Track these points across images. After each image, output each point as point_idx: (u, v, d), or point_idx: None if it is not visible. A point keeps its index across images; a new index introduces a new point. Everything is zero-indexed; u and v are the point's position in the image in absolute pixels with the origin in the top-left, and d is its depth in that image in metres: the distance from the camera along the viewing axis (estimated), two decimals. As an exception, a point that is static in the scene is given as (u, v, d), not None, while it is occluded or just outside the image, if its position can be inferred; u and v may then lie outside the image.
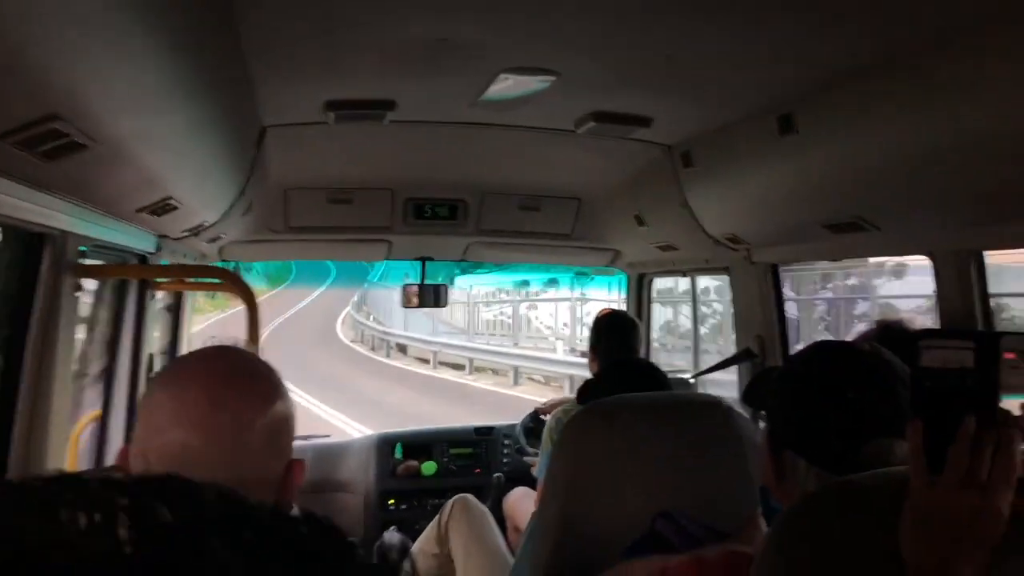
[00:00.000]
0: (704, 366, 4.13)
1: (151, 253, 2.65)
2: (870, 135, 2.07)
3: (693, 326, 4.12)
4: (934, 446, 0.92)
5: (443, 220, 3.82)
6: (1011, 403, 0.93)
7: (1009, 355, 0.93)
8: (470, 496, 3.48)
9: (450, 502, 3.45)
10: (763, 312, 3.22)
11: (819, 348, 1.37)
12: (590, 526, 1.76)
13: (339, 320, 30.55)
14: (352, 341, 25.89)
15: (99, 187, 1.55)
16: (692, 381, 3.72)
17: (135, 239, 2.35)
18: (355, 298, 30.88)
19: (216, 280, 2.69)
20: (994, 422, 0.90)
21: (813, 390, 1.28)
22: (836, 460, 1.21)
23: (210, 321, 22.54)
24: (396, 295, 4.50)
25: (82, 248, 1.95)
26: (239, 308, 2.24)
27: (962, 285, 2.24)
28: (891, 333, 2.09)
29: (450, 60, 2.11)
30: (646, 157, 3.11)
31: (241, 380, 1.07)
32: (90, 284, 2.78)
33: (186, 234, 2.73)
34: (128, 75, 1.21)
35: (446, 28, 1.91)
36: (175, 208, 2.12)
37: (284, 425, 1.08)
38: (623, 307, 4.35)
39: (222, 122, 2.07)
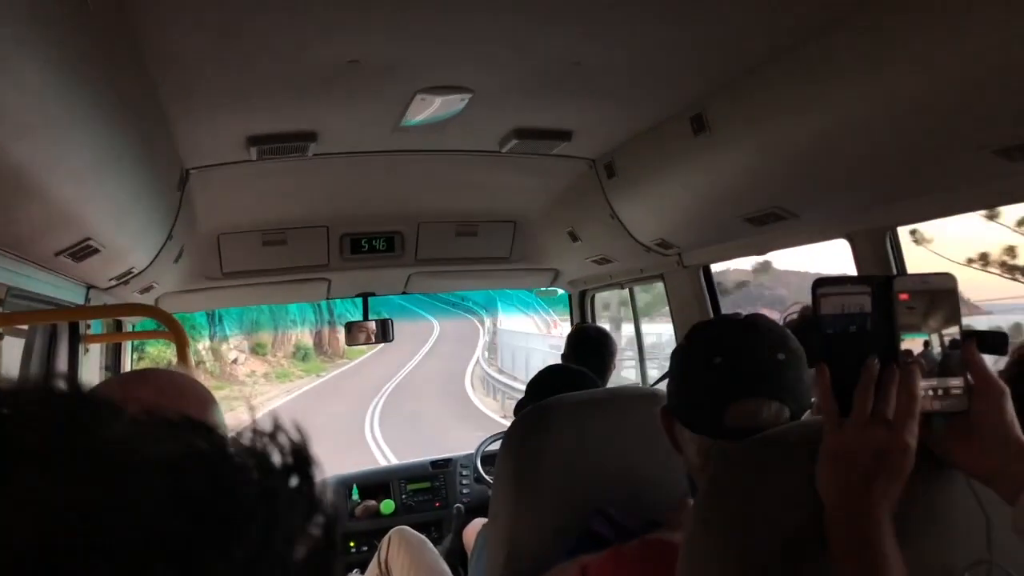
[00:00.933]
0: (652, 378, 4.18)
1: (79, 305, 2.60)
2: (778, 126, 2.14)
3: (636, 338, 4.15)
4: (841, 389, 0.95)
5: (381, 253, 3.82)
6: (909, 342, 0.97)
7: (903, 296, 0.96)
8: (405, 527, 3.44)
9: (386, 537, 3.40)
10: (700, 314, 3.28)
11: (700, 323, 1.43)
12: (536, 529, 1.77)
13: (467, 377, 23.48)
14: (499, 415, 17.67)
15: (6, 223, 1.52)
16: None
17: (60, 289, 2.31)
18: (480, 345, 25.47)
19: (149, 321, 2.63)
20: (896, 360, 0.94)
21: (687, 359, 1.34)
22: (707, 423, 1.27)
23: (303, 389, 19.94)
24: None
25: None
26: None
27: (880, 263, 2.32)
28: (805, 316, 2.17)
29: (365, 84, 2.14)
30: (573, 172, 3.17)
31: (170, 398, 1.07)
32: (17, 343, 2.71)
33: (114, 283, 2.69)
34: (24, 100, 1.20)
35: (357, 51, 1.94)
36: (97, 251, 2.09)
37: None
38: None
39: (142, 160, 2.06)
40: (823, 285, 0.97)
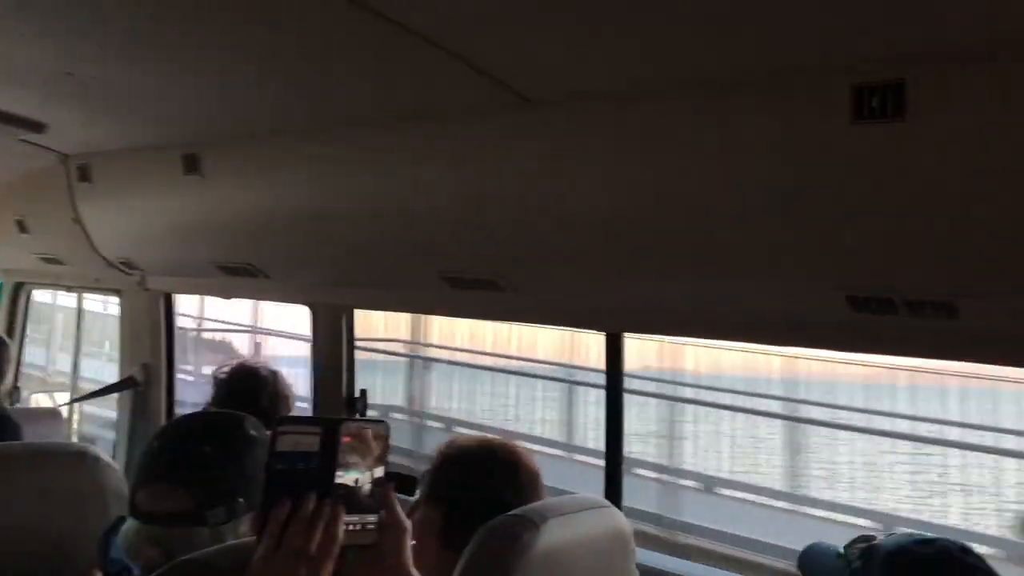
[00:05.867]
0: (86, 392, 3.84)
1: None
2: (269, 189, 2.23)
3: (75, 349, 3.80)
4: (285, 523, 1.02)
5: None
6: (347, 478, 1.08)
7: (346, 439, 1.07)
8: None
9: None
10: (152, 340, 3.15)
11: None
12: None
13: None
14: None
15: None
16: (64, 412, 3.43)
17: None
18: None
19: None
20: (328, 499, 1.03)
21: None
22: (129, 505, 1.28)
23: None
24: None
25: None
26: None
27: (334, 336, 2.54)
28: (242, 372, 2.24)
29: None
30: (38, 162, 2.81)
31: None
32: None
33: None
34: None
35: None
36: None
37: None
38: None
39: None
40: (283, 423, 1.04)
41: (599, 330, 2.02)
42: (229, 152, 2.21)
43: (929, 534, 1.30)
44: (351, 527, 1.05)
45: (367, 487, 1.07)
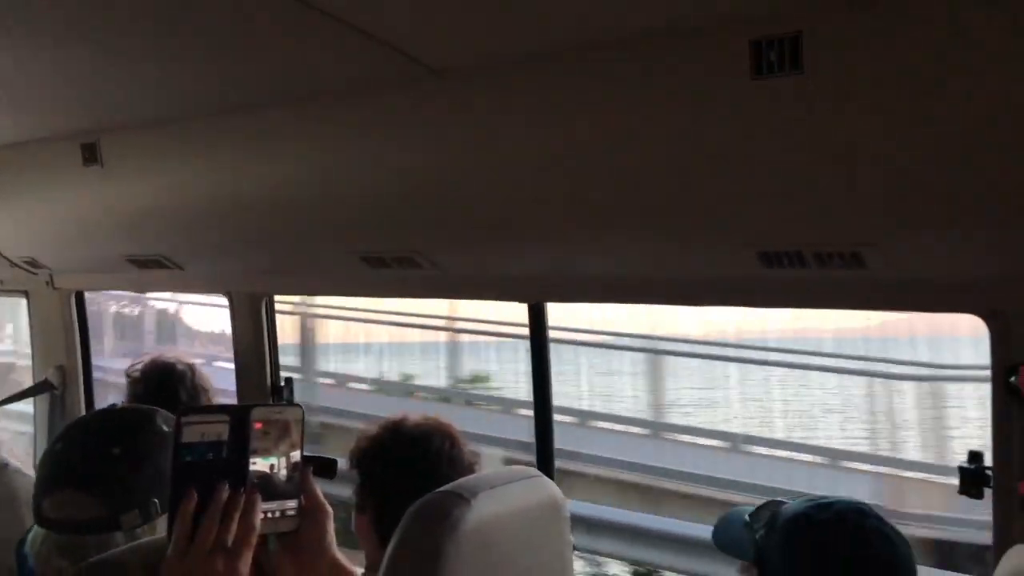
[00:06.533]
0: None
1: None
2: (176, 177, 2.15)
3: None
4: (196, 515, 0.99)
5: None
6: (261, 464, 1.05)
7: (257, 424, 1.04)
8: None
9: None
10: (66, 340, 3.03)
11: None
12: None
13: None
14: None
15: None
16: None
17: None
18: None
19: None
20: (243, 488, 1.00)
21: None
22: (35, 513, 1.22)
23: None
24: None
25: None
26: None
27: (255, 325, 2.48)
28: (157, 368, 2.18)
29: None
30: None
31: None
32: None
33: None
34: None
35: None
36: None
37: None
38: None
39: None
40: (187, 414, 1.00)
41: (520, 301, 2.01)
42: (129, 140, 2.12)
43: (830, 497, 1.32)
44: (270, 515, 1.03)
45: (284, 472, 1.05)
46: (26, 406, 3.42)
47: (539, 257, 1.84)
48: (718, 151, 1.37)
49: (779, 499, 1.37)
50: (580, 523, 4.45)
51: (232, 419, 1.01)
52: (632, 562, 5.26)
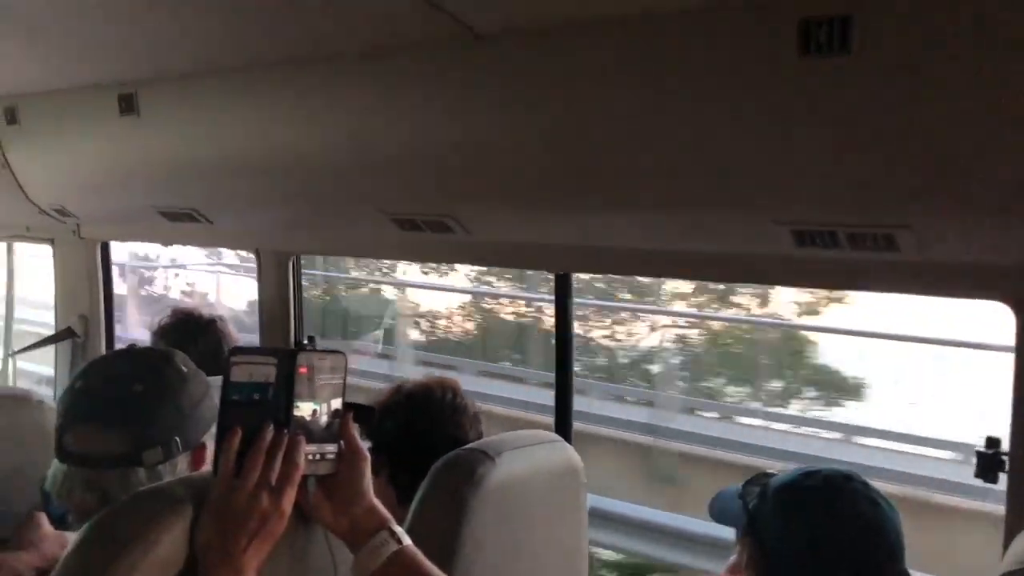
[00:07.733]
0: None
1: None
2: (211, 130, 2.17)
3: (7, 301, 3.68)
4: (241, 453, 1.01)
5: None
6: (304, 409, 1.07)
7: (303, 369, 1.06)
8: None
9: None
10: (90, 290, 3.07)
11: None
12: None
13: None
14: None
15: None
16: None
17: None
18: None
19: None
20: (287, 429, 1.03)
21: None
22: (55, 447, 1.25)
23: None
24: None
25: None
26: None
27: (281, 282, 2.50)
28: (185, 319, 2.22)
29: None
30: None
31: None
32: None
33: None
34: None
35: None
36: None
37: None
38: None
39: None
40: (236, 354, 1.03)
41: (548, 270, 2.04)
42: (167, 91, 2.14)
43: (817, 466, 1.36)
44: (310, 457, 1.06)
45: (324, 418, 1.08)
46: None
47: (568, 228, 1.86)
48: (757, 126, 1.38)
49: (769, 471, 1.41)
50: None
51: (279, 362, 1.04)
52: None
